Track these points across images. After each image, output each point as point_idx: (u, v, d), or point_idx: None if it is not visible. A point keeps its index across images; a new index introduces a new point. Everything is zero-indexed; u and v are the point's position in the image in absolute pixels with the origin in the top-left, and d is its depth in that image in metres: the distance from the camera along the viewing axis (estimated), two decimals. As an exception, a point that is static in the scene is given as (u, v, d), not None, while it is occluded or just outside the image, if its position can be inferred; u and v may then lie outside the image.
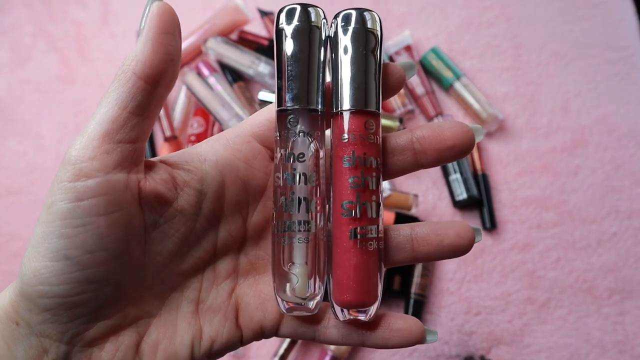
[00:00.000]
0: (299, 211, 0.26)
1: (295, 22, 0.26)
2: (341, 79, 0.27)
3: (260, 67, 0.65)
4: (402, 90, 0.65)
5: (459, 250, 0.27)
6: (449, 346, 0.58)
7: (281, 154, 0.27)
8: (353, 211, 0.26)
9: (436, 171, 0.64)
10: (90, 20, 0.74)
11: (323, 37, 0.27)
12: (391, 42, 0.68)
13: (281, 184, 0.26)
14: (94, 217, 0.23)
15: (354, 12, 0.26)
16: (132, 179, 0.24)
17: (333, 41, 0.27)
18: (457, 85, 0.66)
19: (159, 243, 0.26)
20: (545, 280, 0.60)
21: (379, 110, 0.27)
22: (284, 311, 0.27)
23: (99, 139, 0.24)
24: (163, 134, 0.66)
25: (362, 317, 0.27)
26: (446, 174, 0.63)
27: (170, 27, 0.25)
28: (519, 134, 0.65)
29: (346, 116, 0.26)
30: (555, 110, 0.66)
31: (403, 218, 0.61)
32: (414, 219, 0.61)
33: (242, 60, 0.66)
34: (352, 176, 0.26)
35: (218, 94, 0.65)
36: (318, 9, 0.27)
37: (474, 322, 0.59)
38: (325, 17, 0.27)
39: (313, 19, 0.26)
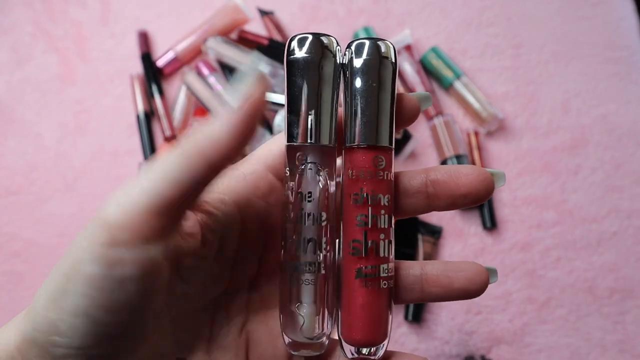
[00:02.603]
0: (306, 252, 0.25)
1: (306, 53, 0.25)
2: (352, 112, 0.25)
3: (260, 67, 0.65)
4: (402, 90, 0.65)
5: (470, 294, 0.26)
6: (450, 346, 0.58)
7: (289, 191, 0.25)
8: (360, 250, 0.25)
9: (436, 171, 0.64)
10: (90, 20, 0.74)
11: (335, 69, 0.25)
12: (391, 42, 0.68)
13: (290, 223, 0.25)
14: (125, 286, 0.21)
15: (367, 42, 0.25)
16: (170, 247, 0.22)
17: (344, 72, 0.26)
18: (457, 85, 0.66)
19: (179, 291, 0.25)
20: (546, 280, 0.60)
21: (391, 145, 0.26)
22: (290, 350, 0.26)
23: (145, 212, 0.21)
24: (163, 134, 0.66)
25: (372, 357, 0.26)
26: (446, 173, 0.63)
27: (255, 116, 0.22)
28: (519, 134, 0.65)
29: (355, 152, 0.25)
30: (555, 109, 0.66)
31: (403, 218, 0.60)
32: (414, 219, 0.61)
33: (242, 59, 0.66)
34: (360, 214, 0.25)
35: (218, 94, 0.65)
36: (331, 37, 0.25)
37: (474, 322, 0.59)
38: (338, 45, 0.26)
39: (325, 49, 0.25)
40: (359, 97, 0.25)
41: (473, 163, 0.64)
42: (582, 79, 0.67)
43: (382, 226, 0.26)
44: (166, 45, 0.70)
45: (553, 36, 0.68)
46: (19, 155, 0.69)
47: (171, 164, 0.21)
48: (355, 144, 0.25)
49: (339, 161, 0.27)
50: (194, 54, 0.70)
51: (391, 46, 0.25)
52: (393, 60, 0.25)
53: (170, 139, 0.66)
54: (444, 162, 0.63)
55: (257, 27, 0.71)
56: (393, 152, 0.26)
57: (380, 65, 0.25)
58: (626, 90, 0.66)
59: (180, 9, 0.74)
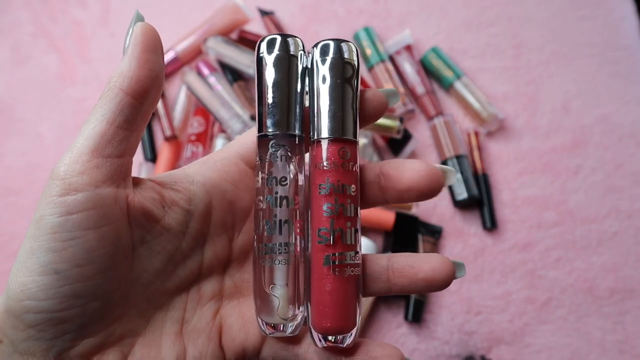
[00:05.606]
0: (280, 233, 0.27)
1: (275, 51, 0.27)
2: (318, 108, 0.27)
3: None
4: (402, 90, 0.65)
5: (435, 285, 0.27)
6: (450, 346, 0.58)
7: (262, 177, 0.27)
8: (327, 238, 0.26)
9: (436, 171, 0.64)
10: (90, 20, 0.74)
11: (301, 66, 0.27)
12: (391, 42, 0.68)
13: (263, 207, 0.27)
14: (84, 230, 0.23)
15: (331, 43, 0.27)
16: (120, 194, 0.25)
17: (311, 71, 0.28)
18: (458, 85, 0.66)
19: (146, 259, 0.26)
20: (546, 280, 0.60)
21: (355, 138, 0.27)
22: (265, 332, 0.27)
23: (88, 154, 0.24)
24: (163, 134, 0.66)
25: (339, 344, 0.27)
26: (446, 173, 0.63)
27: (153, 46, 0.25)
28: (520, 134, 0.65)
29: (322, 144, 0.27)
30: (555, 109, 0.66)
31: (403, 218, 0.61)
32: (414, 219, 0.61)
33: (242, 59, 0.66)
34: (327, 203, 0.26)
35: (218, 94, 0.65)
36: (297, 39, 0.27)
37: (474, 322, 0.59)
38: (303, 48, 0.28)
39: (292, 48, 0.27)
40: (325, 93, 0.27)
41: (474, 163, 0.64)
42: (582, 79, 0.67)
43: (349, 215, 0.27)
44: (166, 45, 0.70)
45: (553, 36, 0.68)
46: (20, 155, 0.69)
47: (98, 108, 0.25)
48: (322, 136, 0.27)
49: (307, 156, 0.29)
50: (194, 54, 0.70)
51: (353, 47, 0.28)
52: (355, 59, 0.28)
53: (170, 138, 0.66)
54: (444, 163, 0.63)
55: (257, 27, 0.71)
56: (357, 145, 0.28)
57: (343, 63, 0.27)
58: (626, 90, 0.66)
59: (180, 9, 0.74)
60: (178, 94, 0.69)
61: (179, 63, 0.70)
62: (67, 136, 0.69)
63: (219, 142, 0.65)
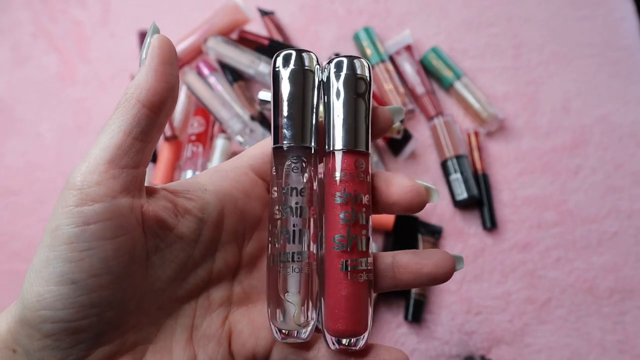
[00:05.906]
0: (294, 242, 0.27)
1: (291, 66, 0.28)
2: (333, 121, 0.28)
3: (261, 67, 0.65)
4: (402, 90, 0.65)
5: (438, 279, 0.29)
6: (450, 346, 0.58)
7: (279, 188, 0.28)
8: (344, 245, 0.27)
9: (436, 171, 0.64)
10: (90, 20, 0.74)
11: (316, 80, 0.29)
12: (391, 42, 0.68)
13: (279, 217, 0.28)
14: (101, 241, 0.24)
15: (345, 60, 0.29)
16: (136, 204, 0.25)
17: (326, 85, 0.29)
18: (458, 85, 0.66)
19: (159, 268, 0.27)
20: (546, 280, 0.60)
21: (368, 150, 0.29)
22: (278, 338, 0.28)
23: (104, 164, 0.24)
24: (163, 134, 0.66)
25: (352, 347, 0.28)
26: (447, 173, 0.63)
27: (169, 58, 0.26)
28: (520, 134, 0.65)
29: (338, 155, 0.28)
30: (555, 109, 0.66)
31: (403, 218, 0.61)
32: (414, 219, 0.61)
33: (242, 59, 0.66)
34: (343, 212, 0.28)
35: (218, 94, 0.65)
36: (311, 54, 0.28)
37: (474, 322, 0.59)
38: (318, 62, 0.29)
39: (307, 63, 0.28)
40: (340, 107, 0.28)
41: (474, 163, 0.64)
42: (582, 79, 0.67)
43: (363, 223, 0.28)
44: (166, 45, 0.70)
45: (553, 36, 0.68)
46: (20, 155, 0.69)
47: (114, 119, 0.25)
48: (338, 148, 0.28)
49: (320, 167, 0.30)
50: (194, 54, 0.70)
51: (366, 64, 0.29)
52: (367, 75, 0.29)
53: (170, 138, 0.66)
54: (444, 162, 0.63)
55: (257, 27, 0.71)
56: (370, 157, 0.29)
57: (356, 79, 0.28)
58: (626, 90, 0.66)
59: (180, 9, 0.74)
60: (178, 94, 0.69)
61: (179, 63, 0.70)
62: (67, 136, 0.69)
63: (219, 142, 0.65)
